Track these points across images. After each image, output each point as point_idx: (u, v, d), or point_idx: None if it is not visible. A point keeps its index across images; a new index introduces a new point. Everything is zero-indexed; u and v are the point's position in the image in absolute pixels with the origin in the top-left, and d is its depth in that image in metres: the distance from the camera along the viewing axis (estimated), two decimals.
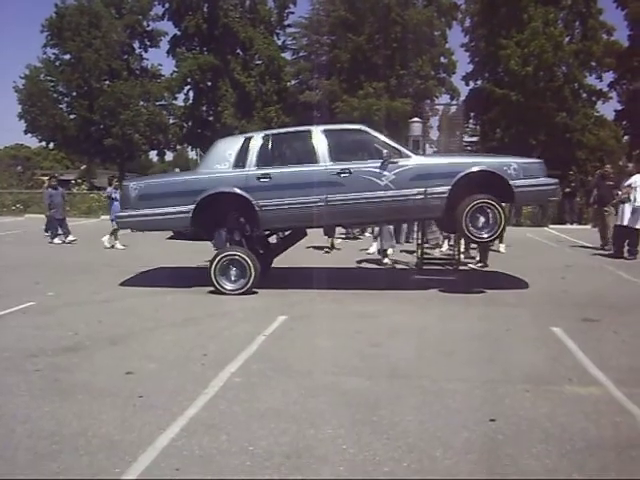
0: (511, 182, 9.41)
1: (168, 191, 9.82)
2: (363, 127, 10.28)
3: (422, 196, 9.42)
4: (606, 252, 15.11)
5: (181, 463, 3.99)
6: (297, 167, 9.72)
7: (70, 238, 16.97)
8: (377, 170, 9.50)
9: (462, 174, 9.40)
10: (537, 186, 9.59)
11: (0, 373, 5.82)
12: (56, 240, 16.83)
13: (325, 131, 9.97)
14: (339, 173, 9.50)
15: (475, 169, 9.47)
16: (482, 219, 9.44)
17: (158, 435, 4.39)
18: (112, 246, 15.87)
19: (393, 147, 9.73)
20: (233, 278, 9.57)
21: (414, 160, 9.63)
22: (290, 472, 3.90)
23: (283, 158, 10.18)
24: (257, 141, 9.91)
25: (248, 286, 9.50)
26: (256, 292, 9.59)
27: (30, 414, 4.80)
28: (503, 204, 9.58)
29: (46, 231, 17.56)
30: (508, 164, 9.58)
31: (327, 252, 14.67)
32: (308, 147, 9.84)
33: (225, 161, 9.77)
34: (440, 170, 9.56)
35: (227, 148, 10.01)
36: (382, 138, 9.99)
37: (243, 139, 10.08)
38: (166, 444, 4.26)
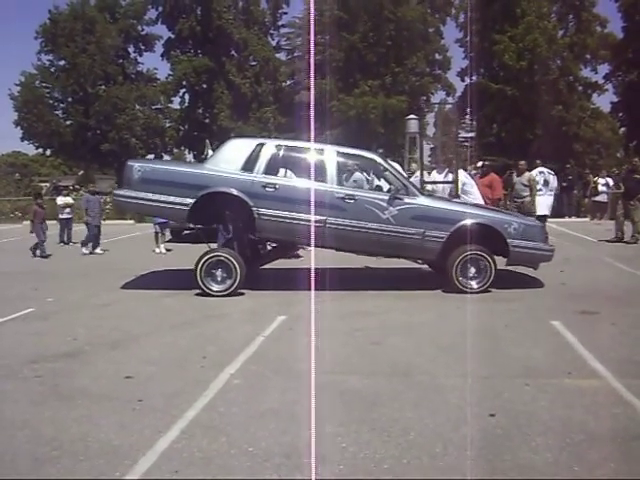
0: (509, 240, 9.55)
1: (171, 180, 9.71)
2: (377, 157, 10.39)
3: (419, 237, 9.51)
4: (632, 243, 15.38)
5: (181, 465, 3.99)
6: (304, 183, 9.70)
7: (84, 250, 15.65)
8: (382, 203, 9.55)
9: (462, 223, 9.50)
10: (533, 249, 9.72)
11: (0, 379, 5.81)
12: (98, 250, 15.74)
13: (338, 152, 10.01)
14: (344, 198, 9.53)
15: (476, 221, 9.57)
16: (473, 269, 9.54)
17: (158, 438, 4.39)
18: (160, 252, 15.47)
19: (402, 183, 9.83)
20: (219, 279, 9.53)
21: (419, 200, 9.71)
22: (290, 472, 3.89)
23: (291, 170, 10.13)
24: (269, 148, 9.87)
25: (234, 287, 9.48)
26: (243, 293, 9.57)
27: (30, 420, 4.79)
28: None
29: (83, 244, 15.84)
30: (510, 222, 9.76)
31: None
32: (318, 165, 9.84)
33: (234, 162, 9.69)
34: (442, 215, 9.64)
35: (238, 149, 9.96)
36: (393, 172, 10.09)
37: (256, 144, 10.00)
38: (166, 447, 4.26)
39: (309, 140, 11.06)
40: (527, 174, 15.11)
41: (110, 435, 4.47)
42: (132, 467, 3.98)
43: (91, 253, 15.62)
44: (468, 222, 9.52)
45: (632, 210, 15.85)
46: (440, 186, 13.96)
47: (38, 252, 15.25)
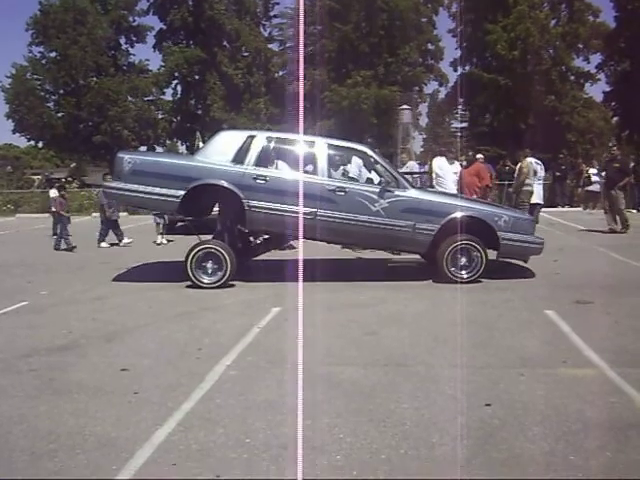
0: (499, 233, 9.57)
1: (161, 172, 9.68)
2: (368, 150, 10.40)
3: (410, 229, 9.51)
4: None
5: (178, 458, 3.98)
6: (294, 175, 9.67)
7: (125, 241, 15.75)
8: (372, 195, 9.54)
9: (452, 216, 9.51)
10: (523, 242, 9.74)
11: None
12: (103, 244, 15.50)
13: (329, 145, 10.00)
14: (334, 190, 9.52)
15: (466, 214, 9.57)
16: (463, 259, 9.54)
17: (154, 431, 4.38)
18: (160, 242, 15.50)
19: (393, 176, 9.84)
20: (210, 271, 9.52)
21: (410, 193, 9.71)
22: (287, 463, 3.89)
23: (282, 163, 10.09)
24: (260, 141, 9.85)
25: (225, 279, 9.47)
26: (233, 285, 9.57)
27: (26, 414, 4.78)
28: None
29: (120, 239, 15.80)
30: (500, 215, 9.77)
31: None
32: (309, 157, 9.84)
33: (225, 154, 9.67)
34: (432, 208, 9.64)
35: (229, 141, 9.94)
36: (384, 164, 10.10)
37: (247, 136, 9.98)
38: (163, 439, 4.25)
39: (300, 131, 11.03)
40: (519, 164, 15.47)
41: (107, 428, 4.46)
42: (129, 460, 3.97)
43: (111, 245, 15.58)
44: (458, 215, 9.52)
45: (615, 199, 15.87)
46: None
47: (63, 245, 15.11)
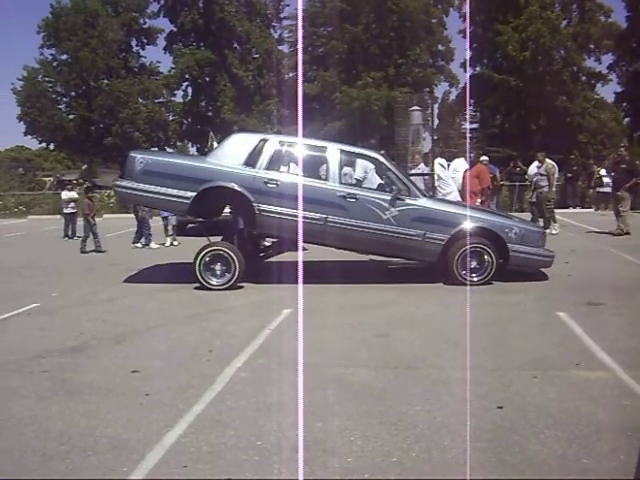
0: (509, 245, 9.53)
1: (173, 173, 9.69)
2: (380, 157, 10.34)
3: (420, 238, 9.48)
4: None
5: (189, 460, 3.98)
6: (305, 180, 9.63)
7: (138, 245, 15.57)
8: (383, 203, 9.51)
9: (463, 226, 9.48)
10: (533, 255, 9.68)
11: (7, 375, 5.81)
12: (153, 245, 15.36)
13: (341, 150, 9.96)
14: (345, 197, 9.50)
15: (477, 225, 9.55)
16: (474, 262, 9.49)
17: (165, 432, 4.38)
18: (171, 244, 15.49)
19: (404, 184, 9.80)
20: (218, 273, 9.53)
21: (421, 202, 9.67)
22: (299, 465, 3.88)
23: (294, 167, 10.06)
24: (272, 144, 9.83)
25: (233, 281, 9.47)
26: (242, 287, 9.57)
27: (37, 415, 4.79)
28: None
29: (137, 239, 15.65)
30: (510, 227, 9.71)
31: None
32: (321, 163, 9.84)
33: (236, 157, 9.66)
34: (443, 218, 9.61)
35: (241, 144, 9.93)
36: (396, 172, 10.05)
37: (259, 139, 9.97)
38: (173, 441, 4.25)
39: (308, 133, 11.07)
40: (545, 163, 15.65)
41: (118, 430, 4.47)
42: (140, 462, 3.97)
43: (143, 246, 15.46)
44: (469, 225, 9.49)
45: (621, 200, 15.73)
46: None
47: (87, 247, 14.94)
